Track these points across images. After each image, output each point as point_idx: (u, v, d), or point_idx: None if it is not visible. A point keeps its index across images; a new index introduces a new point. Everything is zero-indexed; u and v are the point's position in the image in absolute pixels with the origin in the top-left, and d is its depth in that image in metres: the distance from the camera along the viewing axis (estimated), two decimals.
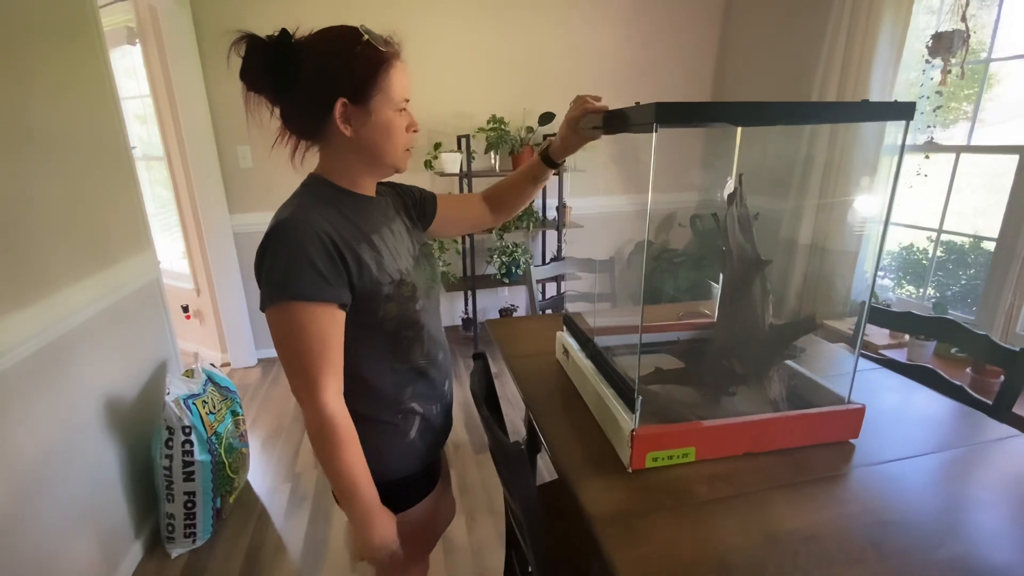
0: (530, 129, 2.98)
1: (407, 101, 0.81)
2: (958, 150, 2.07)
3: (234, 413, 1.90)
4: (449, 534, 1.75)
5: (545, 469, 2.00)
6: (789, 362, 1.04)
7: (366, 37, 0.74)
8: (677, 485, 0.82)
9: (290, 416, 2.51)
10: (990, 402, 1.14)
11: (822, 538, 0.72)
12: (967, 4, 1.87)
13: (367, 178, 0.86)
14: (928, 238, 2.34)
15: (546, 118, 2.89)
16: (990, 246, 2.10)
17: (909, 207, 2.34)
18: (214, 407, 1.78)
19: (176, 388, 1.67)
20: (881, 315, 1.46)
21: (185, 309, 3.15)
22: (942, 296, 2.33)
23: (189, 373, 1.83)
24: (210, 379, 1.87)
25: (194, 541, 1.70)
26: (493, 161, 3.02)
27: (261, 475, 2.09)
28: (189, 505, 1.66)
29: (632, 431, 0.83)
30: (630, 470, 0.85)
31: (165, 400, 1.61)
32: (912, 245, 2.41)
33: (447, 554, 1.67)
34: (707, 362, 1.02)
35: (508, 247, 3.07)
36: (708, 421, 0.86)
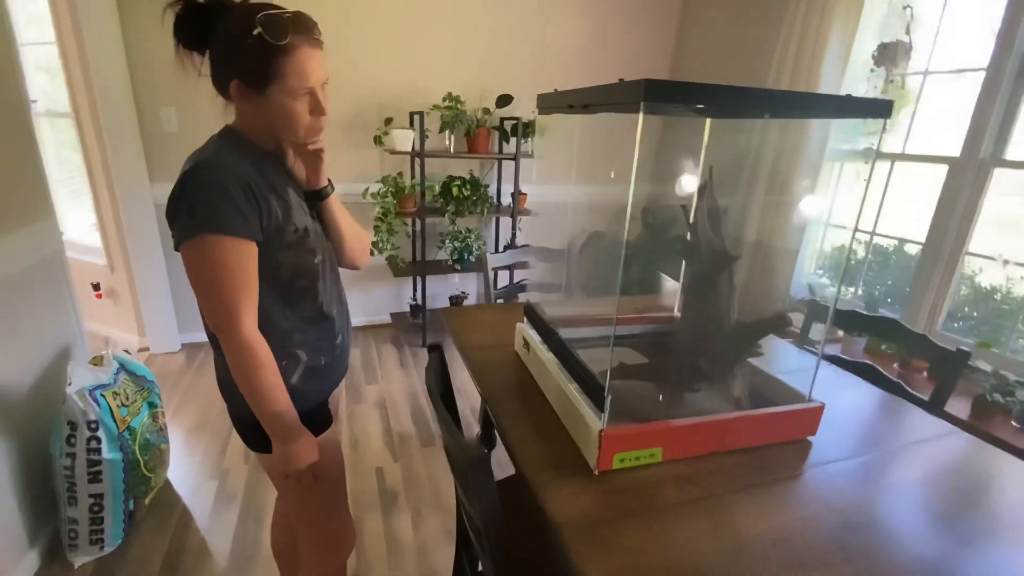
0: (487, 110, 2.87)
1: (324, 84, 0.82)
2: (894, 157, 2.19)
3: (151, 405, 1.71)
4: (393, 531, 1.67)
5: (497, 464, 1.94)
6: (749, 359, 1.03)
7: (258, 30, 0.74)
8: (645, 488, 0.79)
9: (217, 407, 2.30)
10: (926, 398, 1.20)
11: (790, 540, 0.70)
12: (911, 18, 1.96)
13: (274, 143, 0.89)
14: (858, 240, 2.47)
15: (504, 100, 2.80)
16: (912, 249, 2.24)
17: (845, 209, 2.46)
18: (127, 399, 1.59)
19: (80, 378, 1.47)
20: (827, 312, 1.50)
21: (96, 287, 2.82)
22: (869, 295, 2.47)
23: (98, 360, 1.62)
24: (123, 367, 1.66)
25: (102, 548, 1.51)
26: (448, 142, 2.89)
27: (184, 472, 1.90)
28: (95, 508, 1.47)
29: (601, 431, 0.78)
30: (596, 472, 0.81)
31: (66, 392, 1.41)
32: (843, 246, 2.54)
33: (390, 554, 1.59)
34: (672, 358, 1.00)
35: (461, 232, 2.97)
36: (676, 420, 0.83)
